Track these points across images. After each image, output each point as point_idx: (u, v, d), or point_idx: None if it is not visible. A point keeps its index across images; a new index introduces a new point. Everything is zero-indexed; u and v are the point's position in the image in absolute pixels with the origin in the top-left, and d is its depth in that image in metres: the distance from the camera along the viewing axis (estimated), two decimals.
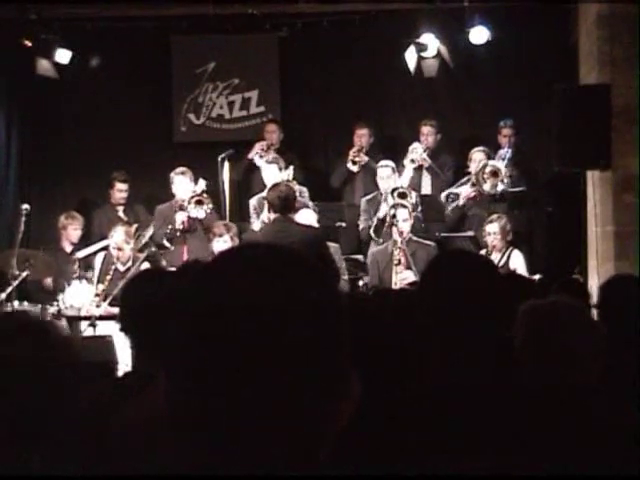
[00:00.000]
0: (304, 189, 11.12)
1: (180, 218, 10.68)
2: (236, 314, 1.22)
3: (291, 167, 11.12)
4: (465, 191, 11.05)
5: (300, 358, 1.22)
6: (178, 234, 10.71)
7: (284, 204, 8.71)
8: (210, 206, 10.75)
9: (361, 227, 11.17)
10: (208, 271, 1.31)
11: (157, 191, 11.70)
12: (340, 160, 12.11)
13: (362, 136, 11.97)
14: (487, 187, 10.80)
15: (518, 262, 10.01)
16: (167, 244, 10.70)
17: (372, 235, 10.78)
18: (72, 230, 11.27)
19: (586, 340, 3.12)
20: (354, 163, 11.89)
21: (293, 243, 8.17)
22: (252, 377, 1.21)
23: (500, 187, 10.79)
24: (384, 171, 11.26)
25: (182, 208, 10.70)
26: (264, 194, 10.78)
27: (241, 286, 1.25)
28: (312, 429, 1.25)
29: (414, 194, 10.93)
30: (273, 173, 10.91)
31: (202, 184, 10.82)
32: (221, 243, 9.80)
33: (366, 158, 11.86)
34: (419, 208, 10.85)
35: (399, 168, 11.33)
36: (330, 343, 1.26)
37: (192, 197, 10.69)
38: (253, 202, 10.98)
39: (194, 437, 1.25)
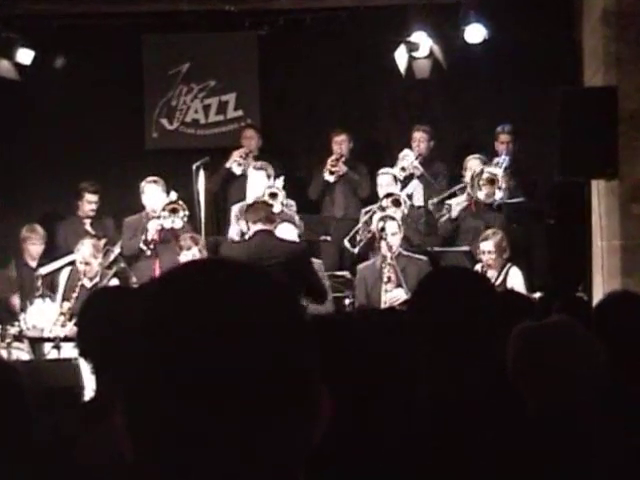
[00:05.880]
0: (292, 202, 11.08)
1: (153, 227, 10.52)
2: (190, 335, 1.22)
3: (282, 177, 11.04)
4: (458, 202, 11.00)
5: (262, 379, 1.22)
6: (151, 246, 10.59)
7: (264, 216, 8.74)
8: (186, 213, 10.54)
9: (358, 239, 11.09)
10: (158, 290, 1.31)
11: (127, 202, 11.62)
12: (317, 170, 12.02)
13: (341, 143, 11.86)
14: (482, 195, 10.69)
15: (516, 281, 9.91)
16: (145, 249, 10.56)
17: (347, 245, 10.77)
18: (30, 245, 11.12)
19: (583, 361, 3.13)
20: (331, 173, 11.76)
21: (276, 258, 8.19)
22: (209, 403, 1.21)
23: (497, 196, 10.73)
24: (384, 179, 11.18)
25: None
26: (248, 202, 10.73)
27: (194, 305, 1.25)
28: (284, 450, 1.26)
29: (409, 204, 10.89)
30: (260, 181, 10.87)
31: (173, 196, 10.66)
32: (189, 257, 9.64)
33: (345, 168, 11.76)
34: (422, 219, 10.84)
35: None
36: (293, 363, 1.26)
37: (166, 205, 10.56)
38: (235, 209, 10.92)
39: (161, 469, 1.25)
